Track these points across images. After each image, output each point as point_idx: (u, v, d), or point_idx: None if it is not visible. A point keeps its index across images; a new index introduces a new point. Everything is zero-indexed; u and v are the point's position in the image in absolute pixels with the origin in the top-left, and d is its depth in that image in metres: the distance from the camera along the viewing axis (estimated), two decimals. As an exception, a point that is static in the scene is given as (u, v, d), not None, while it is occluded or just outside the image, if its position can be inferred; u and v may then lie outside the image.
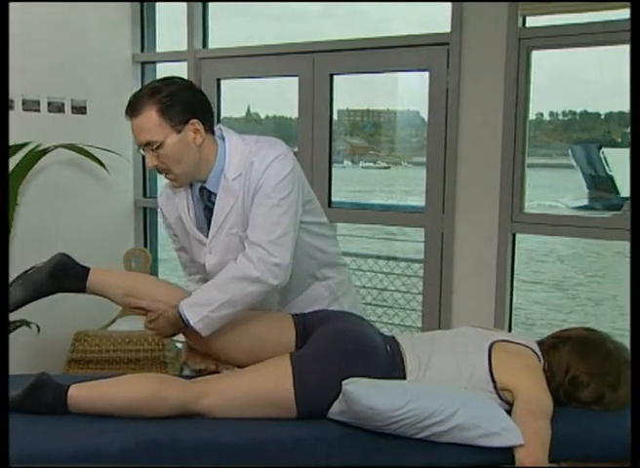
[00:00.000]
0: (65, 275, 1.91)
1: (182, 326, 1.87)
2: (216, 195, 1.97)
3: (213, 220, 1.97)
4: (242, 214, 1.94)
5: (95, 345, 3.62)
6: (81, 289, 1.96)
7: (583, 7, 2.98)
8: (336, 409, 1.74)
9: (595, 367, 1.83)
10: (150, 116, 1.85)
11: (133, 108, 1.88)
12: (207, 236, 2.00)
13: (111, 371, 3.45)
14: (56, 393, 1.74)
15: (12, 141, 3.44)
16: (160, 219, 2.16)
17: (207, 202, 2.00)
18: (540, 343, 1.93)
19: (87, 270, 1.98)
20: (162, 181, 2.11)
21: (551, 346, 1.90)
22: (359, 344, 1.84)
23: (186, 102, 1.89)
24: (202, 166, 1.94)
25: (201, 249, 2.02)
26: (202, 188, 1.99)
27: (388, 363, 1.83)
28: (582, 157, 10.21)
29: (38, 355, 3.61)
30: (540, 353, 1.88)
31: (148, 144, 1.87)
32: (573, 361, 1.85)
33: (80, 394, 1.75)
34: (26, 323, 3.45)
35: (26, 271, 2.00)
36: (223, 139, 1.98)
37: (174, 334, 1.94)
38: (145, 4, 4.18)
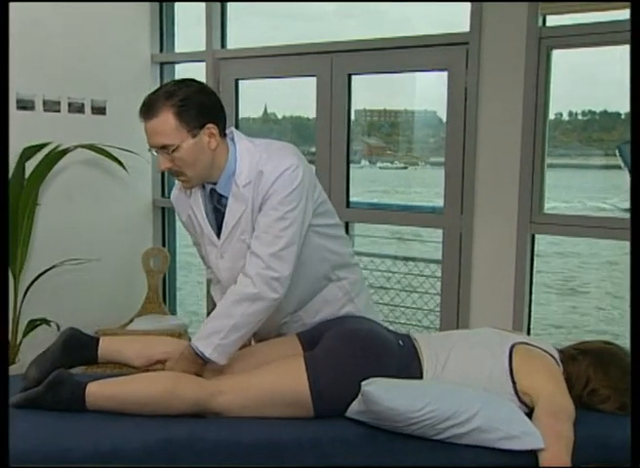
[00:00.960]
0: (78, 346, 1.91)
1: (201, 361, 1.87)
2: (225, 198, 1.97)
3: (224, 225, 1.98)
4: (251, 222, 1.94)
5: (113, 344, 3.64)
6: (94, 359, 1.95)
7: (604, 6, 2.95)
8: (354, 409, 1.74)
9: (615, 381, 1.82)
10: (167, 120, 1.84)
11: (148, 110, 1.86)
12: (218, 238, 2.00)
13: (130, 370, 3.47)
14: (74, 389, 1.76)
15: (32, 142, 3.49)
16: (176, 213, 2.17)
17: (216, 204, 2.00)
18: (560, 352, 1.92)
19: (97, 340, 1.98)
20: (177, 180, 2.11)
21: (571, 357, 1.89)
22: (370, 340, 1.84)
23: (202, 106, 1.88)
24: (214, 168, 1.94)
25: (212, 250, 2.03)
26: (212, 190, 1.99)
27: (402, 358, 1.83)
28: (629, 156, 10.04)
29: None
30: (559, 361, 1.86)
31: (163, 148, 1.86)
32: (592, 374, 1.84)
33: (97, 390, 1.77)
34: (46, 321, 3.48)
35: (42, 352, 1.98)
36: (234, 142, 1.99)
37: (197, 373, 1.90)
38: (164, 5, 4.20)
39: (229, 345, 1.86)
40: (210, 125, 1.88)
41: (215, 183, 1.97)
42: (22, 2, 3.39)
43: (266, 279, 1.86)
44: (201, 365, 1.88)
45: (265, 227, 1.89)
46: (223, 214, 1.98)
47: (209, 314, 1.99)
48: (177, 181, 2.07)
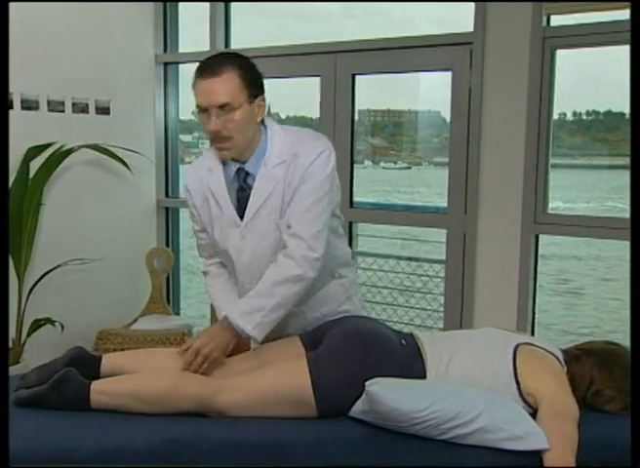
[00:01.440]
0: (82, 363, 1.91)
1: (237, 336, 1.91)
2: (252, 178, 1.98)
3: (250, 204, 1.98)
4: (281, 202, 1.96)
5: (117, 343, 3.65)
6: (96, 375, 1.94)
7: (608, 5, 2.95)
8: (358, 409, 1.74)
9: (619, 381, 1.82)
10: (232, 79, 1.86)
11: (211, 69, 1.87)
12: (241, 219, 2.00)
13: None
14: (79, 387, 1.77)
15: (37, 142, 3.50)
16: (187, 197, 2.12)
17: (242, 183, 2.00)
18: (564, 352, 1.91)
19: (100, 357, 1.98)
20: (183, 180, 2.11)
21: (574, 358, 1.89)
22: (372, 339, 1.84)
23: (258, 77, 1.94)
24: (252, 144, 1.97)
25: (232, 231, 2.02)
26: (240, 169, 2.00)
27: (404, 357, 1.83)
28: None
29: (61, 353, 3.64)
30: (563, 361, 1.86)
31: (221, 107, 1.86)
32: (596, 375, 1.84)
33: (101, 388, 1.78)
34: (50, 321, 3.48)
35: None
36: (265, 125, 2.01)
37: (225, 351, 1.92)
38: (168, 5, 4.21)
39: (269, 323, 1.90)
40: (262, 96, 1.94)
41: (243, 163, 1.98)
42: (25, 2, 3.40)
43: (309, 260, 1.91)
44: (236, 340, 1.91)
45: (305, 209, 1.92)
46: (248, 195, 1.99)
47: (213, 314, 1.99)
48: (194, 164, 2.10)
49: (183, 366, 1.88)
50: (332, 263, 2.09)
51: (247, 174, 2.00)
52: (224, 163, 2.02)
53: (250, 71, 1.91)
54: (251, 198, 1.98)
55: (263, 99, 1.96)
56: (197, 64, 1.93)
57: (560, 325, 7.15)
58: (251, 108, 1.91)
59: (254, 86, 1.91)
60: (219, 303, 2.12)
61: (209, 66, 1.88)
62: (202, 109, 1.89)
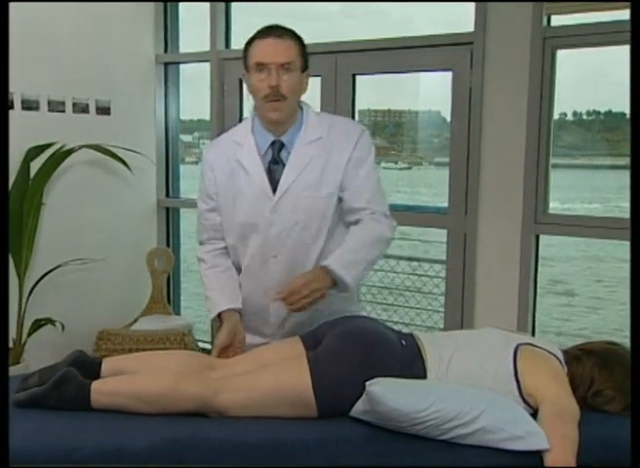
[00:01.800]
0: (82, 367, 1.90)
1: (331, 284, 1.96)
2: (286, 151, 2.03)
3: (283, 177, 2.02)
4: (318, 177, 2.01)
5: (117, 344, 3.65)
6: (96, 378, 1.92)
7: (609, 5, 2.95)
8: (359, 409, 1.74)
9: (620, 382, 1.82)
10: (293, 45, 1.98)
11: (276, 31, 1.98)
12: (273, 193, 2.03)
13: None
14: (79, 387, 1.77)
15: (37, 142, 3.50)
16: (206, 173, 2.13)
17: (276, 156, 2.04)
18: (565, 353, 1.91)
19: (100, 362, 1.98)
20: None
21: (575, 358, 1.88)
22: (372, 339, 1.84)
23: (308, 55, 2.05)
24: (293, 115, 2.04)
25: (261, 205, 2.03)
26: (274, 142, 2.04)
27: (404, 357, 1.83)
28: None
29: (62, 353, 3.62)
30: (563, 362, 1.86)
31: (283, 65, 1.94)
32: (597, 375, 1.83)
33: (102, 388, 1.78)
34: (51, 321, 3.49)
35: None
36: (300, 106, 2.09)
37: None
38: (169, 5, 4.21)
39: (361, 278, 2.07)
40: (307, 73, 2.04)
41: (279, 136, 2.04)
42: (26, 2, 3.40)
43: (393, 226, 2.10)
44: (327, 288, 1.95)
45: (373, 188, 2.06)
46: (280, 168, 2.03)
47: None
48: (216, 141, 2.19)
49: (288, 299, 1.90)
50: None
51: (281, 147, 2.04)
52: (256, 136, 2.06)
53: (304, 45, 2.03)
54: (285, 171, 2.02)
55: (308, 76, 2.06)
56: (255, 30, 2.02)
57: (555, 326, 7.16)
58: (301, 78, 2.01)
59: (305, 59, 2.03)
60: (211, 294, 2.13)
61: (272, 30, 1.99)
62: (259, 68, 1.95)
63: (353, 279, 1.97)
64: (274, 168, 2.04)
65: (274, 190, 2.02)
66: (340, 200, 2.06)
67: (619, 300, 8.38)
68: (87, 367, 1.92)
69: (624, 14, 2.91)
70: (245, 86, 2.09)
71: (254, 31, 2.03)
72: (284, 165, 2.04)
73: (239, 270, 2.18)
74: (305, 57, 2.02)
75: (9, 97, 3.32)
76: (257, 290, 2.11)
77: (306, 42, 3.96)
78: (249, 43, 2.01)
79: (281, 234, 2.03)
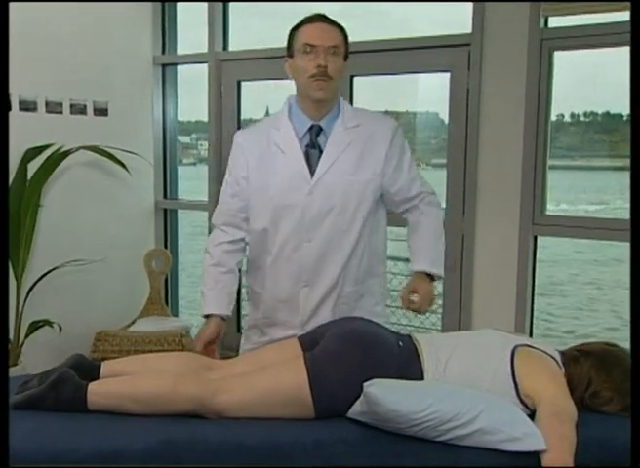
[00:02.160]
0: (81, 370, 1.90)
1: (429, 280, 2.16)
2: (324, 136, 2.09)
3: (322, 161, 2.07)
4: (355, 162, 2.07)
5: (115, 345, 3.65)
6: (94, 380, 1.92)
7: (606, 7, 2.95)
8: (356, 410, 1.73)
9: (617, 383, 1.82)
10: (340, 34, 2.07)
11: (324, 18, 2.08)
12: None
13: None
14: (76, 388, 1.77)
15: (35, 143, 3.50)
16: (237, 157, 2.17)
17: (314, 139, 2.09)
18: (562, 354, 1.91)
19: (99, 365, 1.98)
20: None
21: (572, 359, 1.88)
22: (369, 340, 1.84)
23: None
24: (334, 99, 2.12)
25: (297, 188, 2.06)
26: (313, 126, 2.10)
27: (401, 358, 1.83)
28: None
29: (59, 354, 3.62)
30: (560, 363, 1.86)
31: (331, 47, 2.02)
32: (594, 376, 1.83)
33: (99, 389, 1.78)
34: (48, 322, 3.48)
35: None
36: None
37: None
38: (167, 6, 4.21)
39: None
40: (345, 63, 2.10)
41: (317, 120, 2.10)
42: (24, 2, 3.40)
43: (439, 201, 2.27)
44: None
45: (417, 176, 2.19)
46: (316, 152, 2.08)
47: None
48: (250, 127, 2.25)
49: (422, 306, 2.10)
50: (373, 260, 2.17)
51: (319, 131, 2.10)
52: (293, 121, 2.11)
53: (347, 38, 2.11)
54: (324, 155, 2.07)
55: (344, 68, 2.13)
56: (303, 17, 2.11)
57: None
58: (343, 64, 2.08)
59: (347, 50, 2.10)
60: (207, 293, 2.17)
61: (321, 16, 2.08)
62: (308, 49, 2.02)
63: (441, 269, 2.19)
64: (312, 152, 2.09)
65: (312, 174, 2.06)
66: (384, 194, 2.15)
67: (611, 302, 8.42)
68: (86, 370, 1.92)
69: (621, 15, 2.92)
70: (286, 69, 2.13)
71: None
72: (321, 150, 2.09)
73: (256, 263, 2.20)
74: (347, 47, 2.10)
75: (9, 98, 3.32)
76: (286, 275, 2.13)
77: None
78: (296, 28, 2.09)
79: (317, 218, 2.07)
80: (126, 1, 4.00)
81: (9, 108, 3.42)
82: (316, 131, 2.10)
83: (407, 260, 4.26)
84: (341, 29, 2.08)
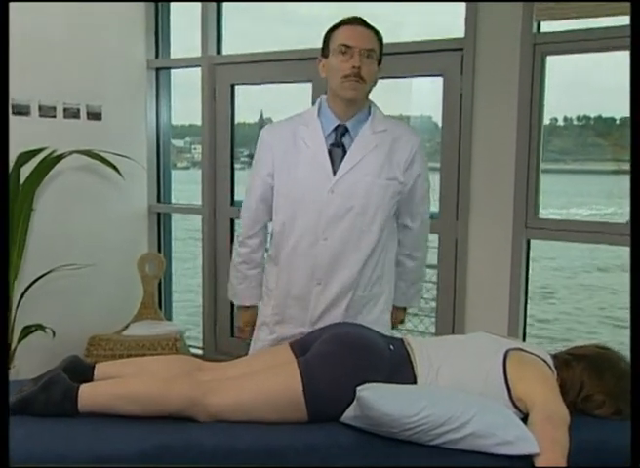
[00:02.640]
0: (76, 371, 1.91)
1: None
2: (349, 136, 2.12)
3: (345, 160, 2.09)
4: (378, 167, 2.10)
5: (109, 350, 3.63)
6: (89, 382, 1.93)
7: (599, 12, 2.97)
8: (350, 415, 1.74)
9: (610, 386, 1.83)
10: (375, 37, 2.10)
11: (363, 22, 2.10)
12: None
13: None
14: (67, 390, 1.77)
15: (28, 147, 3.49)
16: (264, 155, 2.20)
17: (339, 139, 2.11)
18: (554, 357, 1.92)
19: (93, 366, 1.99)
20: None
21: (565, 362, 1.89)
22: (361, 344, 1.85)
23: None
24: (363, 101, 2.14)
25: (319, 185, 2.08)
26: (339, 126, 2.12)
27: (392, 362, 1.83)
28: None
29: (53, 359, 3.60)
30: (553, 367, 1.87)
31: (366, 50, 2.05)
32: (586, 379, 1.84)
33: (90, 390, 1.78)
34: (41, 327, 3.47)
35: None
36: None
37: None
38: (160, 10, 4.21)
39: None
40: (379, 67, 2.13)
41: (345, 121, 2.13)
42: (21, 2, 3.39)
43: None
44: None
45: (426, 190, 2.24)
46: (340, 151, 2.10)
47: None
48: (273, 124, 2.27)
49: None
50: (387, 265, 2.21)
51: (345, 131, 2.12)
52: (322, 119, 2.14)
53: (382, 43, 2.13)
54: (348, 154, 2.10)
55: (378, 72, 2.14)
56: (340, 18, 2.14)
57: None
58: (377, 69, 2.11)
59: (381, 55, 2.13)
60: (238, 287, 2.32)
61: (359, 19, 2.11)
62: (344, 50, 2.05)
63: (418, 300, 2.43)
64: (335, 151, 2.11)
65: (334, 172, 2.08)
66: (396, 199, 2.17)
67: (597, 305, 8.45)
68: (81, 371, 1.91)
69: (614, 20, 2.94)
70: (319, 69, 2.17)
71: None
72: (344, 149, 2.11)
73: (273, 258, 2.23)
74: (382, 52, 2.12)
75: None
76: (300, 271, 2.15)
77: (298, 48, 3.99)
78: (333, 29, 2.11)
79: (335, 216, 2.08)
80: (121, 1, 3.99)
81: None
82: (342, 131, 2.13)
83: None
84: (377, 34, 2.11)
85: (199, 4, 3.99)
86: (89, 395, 1.76)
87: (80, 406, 1.76)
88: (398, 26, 4.00)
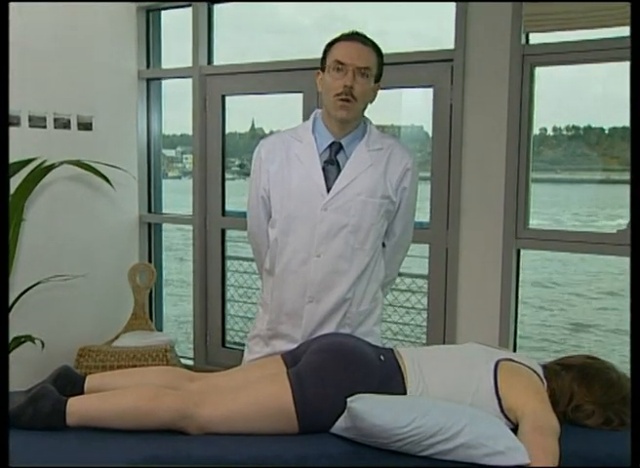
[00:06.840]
0: (67, 382, 1.90)
1: None
2: (343, 154, 2.10)
3: (339, 178, 2.07)
4: (373, 185, 2.07)
5: (99, 361, 3.62)
6: (80, 394, 1.93)
7: (587, 24, 2.99)
8: (340, 425, 1.73)
9: (599, 396, 1.83)
10: (374, 54, 2.06)
11: (361, 38, 2.06)
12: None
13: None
14: (55, 403, 1.75)
15: (18, 157, 3.47)
16: (260, 175, 2.17)
17: (333, 156, 2.09)
18: (544, 367, 1.92)
19: (84, 378, 1.97)
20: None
21: (554, 373, 1.89)
22: (350, 354, 1.84)
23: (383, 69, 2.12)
24: (357, 120, 2.11)
25: (312, 201, 2.06)
26: (333, 143, 2.10)
27: (382, 372, 1.83)
28: None
29: (42, 370, 3.59)
30: (543, 377, 1.87)
31: (361, 69, 2.02)
32: (576, 389, 1.84)
33: (78, 403, 1.76)
34: (31, 338, 3.45)
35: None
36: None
37: None
38: (151, 21, 4.22)
39: None
40: (378, 85, 2.10)
41: (340, 138, 2.10)
42: (23, 2, 3.39)
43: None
44: None
45: (411, 214, 2.22)
46: (334, 169, 2.08)
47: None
48: (267, 138, 2.21)
49: None
50: (376, 284, 2.19)
51: (339, 149, 2.10)
52: (316, 135, 2.12)
53: (382, 58, 2.10)
54: (343, 172, 2.08)
55: (379, 88, 2.11)
56: (340, 33, 2.10)
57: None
58: (371, 87, 2.07)
59: (380, 71, 2.09)
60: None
61: (358, 35, 2.07)
62: (338, 67, 2.03)
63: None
64: (329, 168, 2.09)
65: (328, 189, 2.07)
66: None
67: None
68: (72, 382, 1.90)
69: (602, 32, 2.96)
70: (317, 82, 2.17)
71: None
72: (339, 166, 2.09)
73: (269, 271, 2.20)
74: (381, 69, 2.10)
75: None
76: (292, 288, 2.13)
77: (288, 58, 4.00)
78: (332, 43, 2.09)
79: (329, 234, 2.07)
80: (115, 0, 3.99)
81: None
82: (336, 148, 2.10)
83: (400, 275, 4.29)
84: (377, 50, 2.07)
85: (190, 15, 4.00)
86: (77, 409, 1.75)
87: (68, 420, 1.74)
88: (383, 35, 4.03)
